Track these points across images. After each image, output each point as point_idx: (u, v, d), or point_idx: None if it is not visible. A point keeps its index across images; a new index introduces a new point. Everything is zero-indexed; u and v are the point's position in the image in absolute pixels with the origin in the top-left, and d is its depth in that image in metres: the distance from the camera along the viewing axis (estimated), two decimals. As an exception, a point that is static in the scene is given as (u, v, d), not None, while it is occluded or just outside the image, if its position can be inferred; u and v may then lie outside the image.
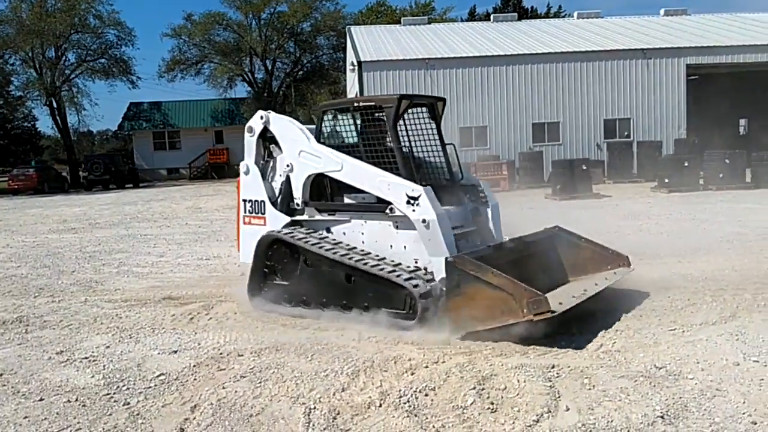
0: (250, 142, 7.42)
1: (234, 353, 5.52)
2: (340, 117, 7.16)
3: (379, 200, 6.37)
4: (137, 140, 47.43)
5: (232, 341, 5.92)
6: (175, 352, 5.70)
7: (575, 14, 33.91)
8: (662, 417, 3.91)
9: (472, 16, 52.69)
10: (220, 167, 45.18)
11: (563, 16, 50.82)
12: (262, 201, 7.24)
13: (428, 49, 26.97)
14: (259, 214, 7.28)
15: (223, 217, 17.94)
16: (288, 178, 7.08)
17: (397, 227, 6.31)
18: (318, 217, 6.91)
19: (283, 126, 7.19)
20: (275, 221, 7.11)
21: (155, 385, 4.89)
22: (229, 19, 44.98)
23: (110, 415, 4.40)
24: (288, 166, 7.02)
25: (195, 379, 4.97)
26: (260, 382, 4.80)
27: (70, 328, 6.71)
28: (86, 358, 5.66)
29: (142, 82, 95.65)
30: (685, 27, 29.54)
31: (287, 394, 4.55)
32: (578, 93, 25.63)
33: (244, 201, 7.41)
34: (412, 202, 6.01)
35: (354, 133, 7.00)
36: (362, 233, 6.56)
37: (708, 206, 14.94)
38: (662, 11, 32.97)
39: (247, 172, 7.43)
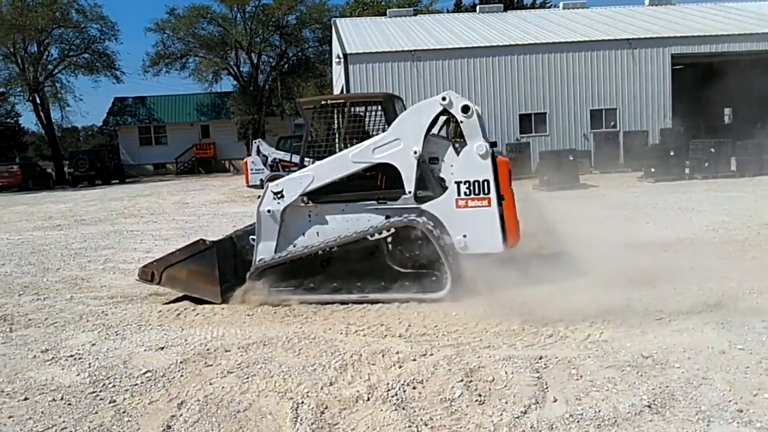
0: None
1: (221, 349, 5.49)
2: None
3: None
4: (123, 135, 47.01)
5: (219, 337, 5.89)
6: (162, 348, 5.66)
7: (560, 5, 33.90)
8: (649, 406, 3.92)
9: (458, 8, 52.49)
10: (207, 162, 44.91)
11: (549, 7, 50.78)
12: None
13: (414, 41, 26.89)
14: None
15: (210, 212, 17.85)
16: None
17: None
18: None
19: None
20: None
21: (141, 383, 4.85)
22: (214, 13, 44.56)
23: (96, 413, 4.36)
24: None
25: (182, 376, 4.93)
26: (247, 378, 4.77)
27: (56, 326, 6.65)
28: (72, 356, 5.61)
29: (126, 76, 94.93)
30: (669, 17, 29.63)
31: (275, 389, 4.53)
32: (564, 84, 25.66)
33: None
34: None
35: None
36: None
37: (694, 195, 15.04)
38: (647, 1, 33.04)
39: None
